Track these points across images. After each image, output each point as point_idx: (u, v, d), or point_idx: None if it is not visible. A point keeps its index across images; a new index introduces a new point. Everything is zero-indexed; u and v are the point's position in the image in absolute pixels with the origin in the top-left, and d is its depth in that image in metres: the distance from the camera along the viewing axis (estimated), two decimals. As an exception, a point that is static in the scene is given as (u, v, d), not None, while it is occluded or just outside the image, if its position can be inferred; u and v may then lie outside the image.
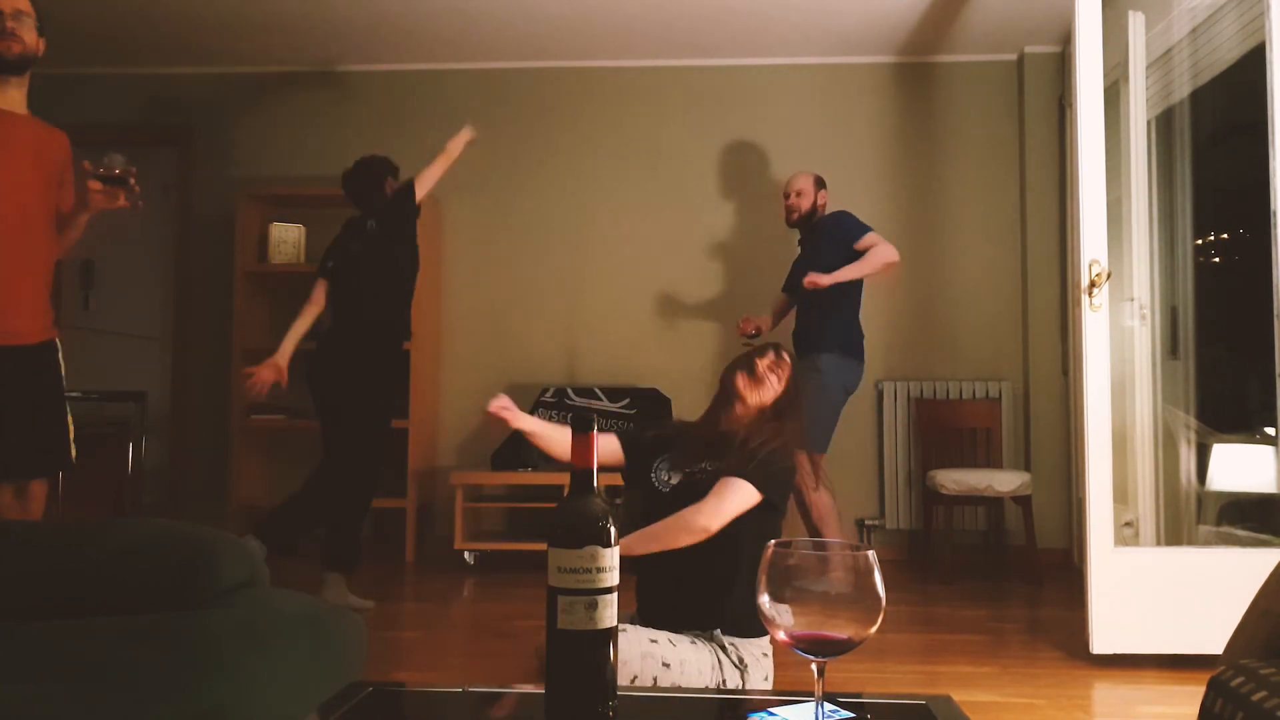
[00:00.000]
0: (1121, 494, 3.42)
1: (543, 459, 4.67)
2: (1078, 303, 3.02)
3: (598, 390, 4.81)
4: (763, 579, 0.90)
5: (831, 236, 3.96)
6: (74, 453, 2.61)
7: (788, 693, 1.20)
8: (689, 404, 4.78)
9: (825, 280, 3.78)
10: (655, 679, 1.94)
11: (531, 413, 4.73)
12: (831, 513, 3.83)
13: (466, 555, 4.58)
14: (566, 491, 1.07)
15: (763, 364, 2.31)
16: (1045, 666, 2.88)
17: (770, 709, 1.12)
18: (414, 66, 5.21)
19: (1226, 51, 3.50)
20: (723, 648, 2.11)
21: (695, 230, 5.08)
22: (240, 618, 1.38)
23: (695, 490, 2.14)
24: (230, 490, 4.91)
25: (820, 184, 4.17)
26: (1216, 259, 4.15)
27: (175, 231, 5.34)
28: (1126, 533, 3.67)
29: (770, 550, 0.91)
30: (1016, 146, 4.99)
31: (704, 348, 5.00)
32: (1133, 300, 3.83)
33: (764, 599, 0.90)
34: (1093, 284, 2.95)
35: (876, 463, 4.92)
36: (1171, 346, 3.89)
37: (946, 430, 4.74)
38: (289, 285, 5.13)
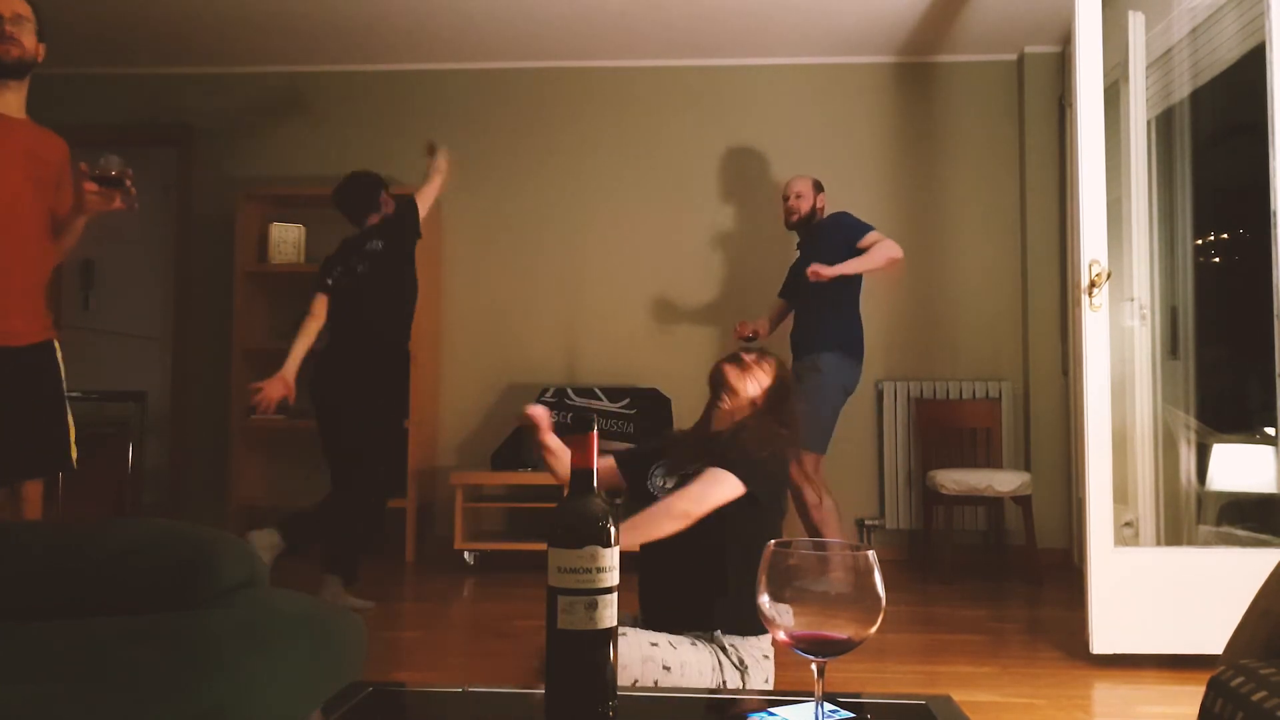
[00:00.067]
0: (1121, 494, 3.42)
1: (543, 459, 4.67)
2: (1078, 303, 3.02)
3: (598, 390, 4.81)
4: (763, 579, 0.90)
5: (832, 237, 3.96)
6: (75, 454, 2.60)
7: (788, 693, 1.20)
8: (689, 404, 4.78)
9: (829, 272, 3.77)
10: (656, 682, 1.94)
11: (531, 413, 4.76)
12: (832, 513, 3.83)
13: (466, 555, 4.58)
14: (566, 492, 1.07)
15: (749, 357, 2.32)
16: (1045, 666, 2.88)
17: (770, 709, 1.12)
18: (414, 66, 5.21)
19: (1226, 51, 3.50)
20: (723, 649, 2.11)
21: (695, 230, 5.08)
22: (240, 618, 1.38)
23: None
24: (230, 490, 4.91)
25: (819, 188, 4.18)
26: (1216, 259, 4.15)
27: (175, 231, 5.34)
28: (1126, 533, 3.67)
29: (770, 550, 0.91)
30: (1016, 146, 4.99)
31: (704, 347, 4.99)
32: (1133, 300, 3.83)
33: (764, 599, 0.90)
34: (1093, 284, 2.95)
35: (876, 463, 4.92)
36: (1171, 346, 3.89)
37: (946, 430, 4.74)
38: (289, 285, 5.13)
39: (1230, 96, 3.69)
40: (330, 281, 3.71)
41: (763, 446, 2.15)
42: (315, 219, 5.01)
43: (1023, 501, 4.30)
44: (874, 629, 0.89)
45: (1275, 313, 2.94)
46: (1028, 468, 4.74)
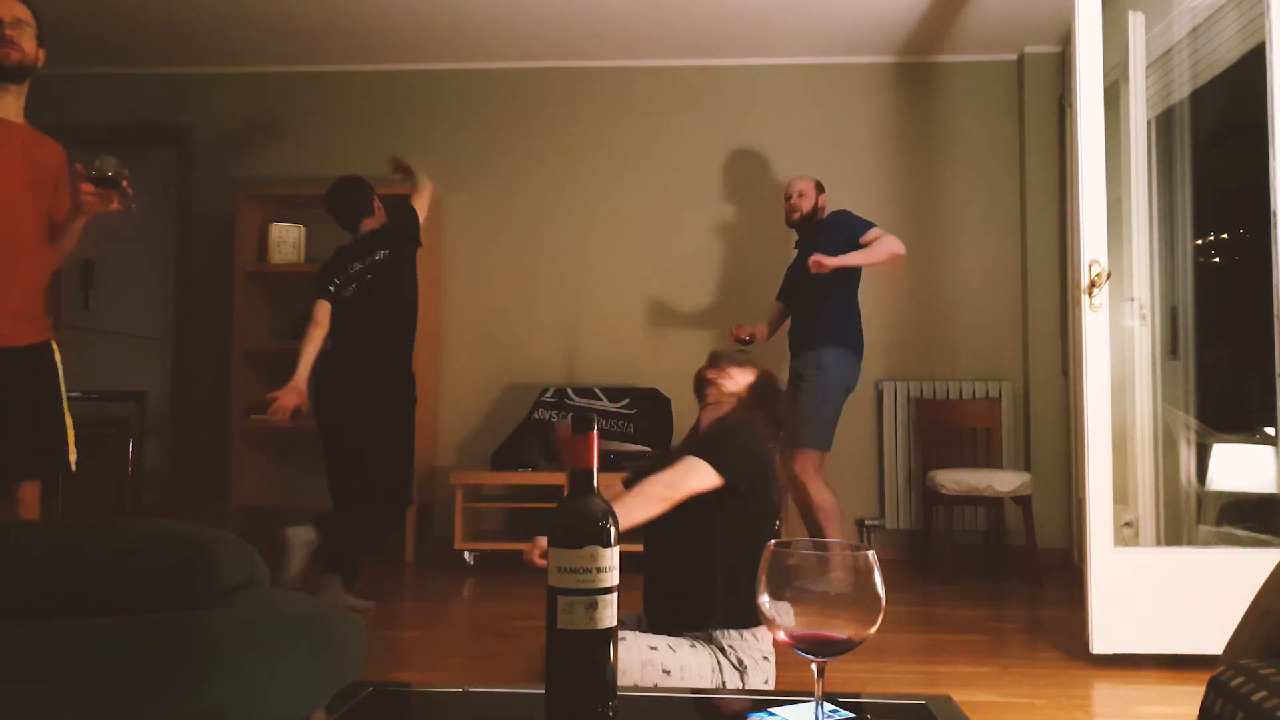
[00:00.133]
0: (1121, 494, 3.41)
1: (543, 459, 4.67)
2: (1078, 303, 3.02)
3: (598, 390, 4.81)
4: (763, 579, 0.90)
5: (832, 234, 3.96)
6: (74, 456, 2.60)
7: (788, 693, 1.20)
8: (689, 404, 4.76)
9: (831, 262, 3.75)
10: (655, 686, 1.94)
11: (531, 413, 4.77)
12: (834, 512, 3.83)
13: (466, 555, 4.58)
14: (566, 491, 1.07)
15: (723, 359, 2.38)
16: (1045, 666, 2.88)
17: (770, 709, 1.12)
18: (414, 66, 5.21)
19: (1226, 51, 3.50)
20: (722, 650, 2.12)
21: (695, 229, 5.08)
22: (240, 618, 1.38)
23: None
24: (230, 490, 4.91)
25: (820, 188, 4.19)
26: (1216, 259, 4.15)
27: (175, 231, 5.34)
28: (1126, 533, 3.67)
29: (770, 550, 0.91)
30: (1016, 146, 4.99)
31: (704, 347, 4.98)
32: (1133, 300, 3.83)
33: (764, 599, 0.90)
34: (1093, 284, 2.95)
35: (876, 463, 4.92)
36: (1171, 346, 3.89)
37: (946, 430, 4.74)
38: (289, 285, 5.13)
39: (1230, 96, 3.69)
40: (333, 289, 3.69)
41: (736, 437, 2.17)
42: (315, 219, 4.99)
43: (1023, 501, 4.30)
44: (874, 629, 0.89)
45: (1275, 313, 2.94)
46: (1028, 468, 4.74)
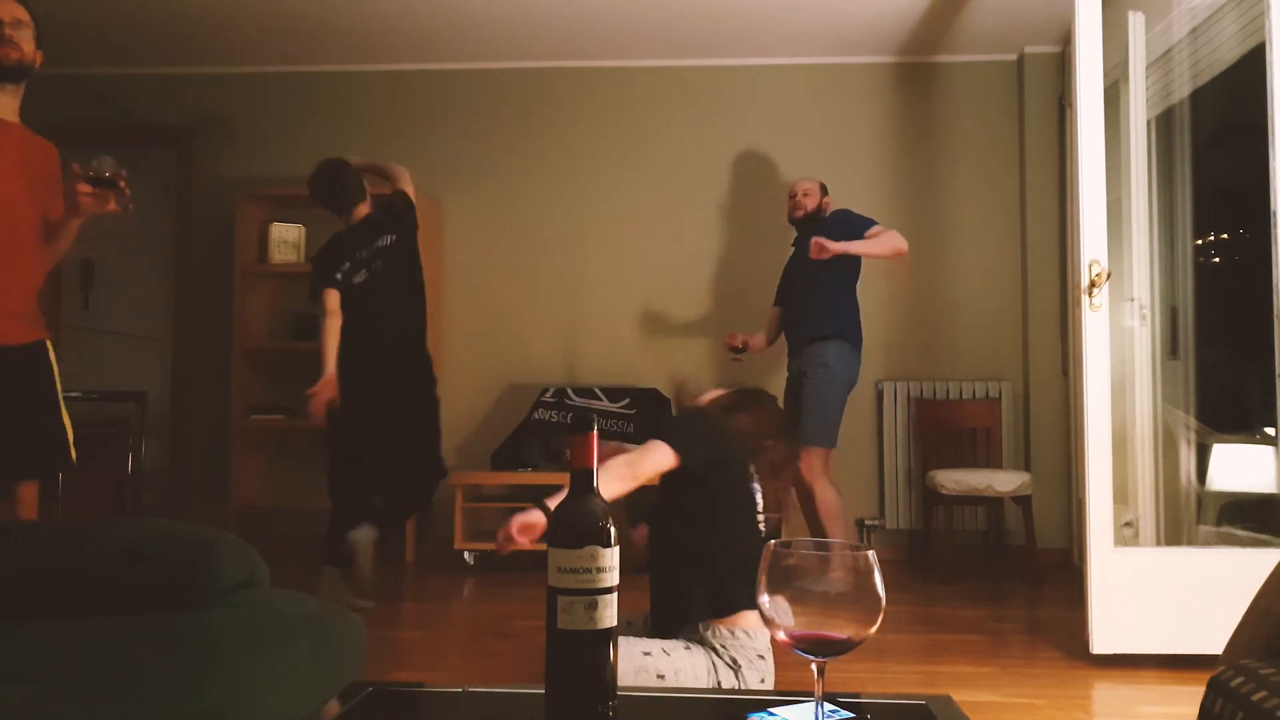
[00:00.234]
0: (1121, 494, 3.42)
1: (543, 459, 4.67)
2: (1078, 303, 3.02)
3: (598, 390, 4.81)
4: (763, 579, 0.90)
5: (834, 231, 3.96)
6: (74, 454, 2.60)
7: (788, 693, 1.20)
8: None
9: (834, 246, 3.75)
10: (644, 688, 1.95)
11: (531, 413, 4.76)
12: (837, 512, 3.83)
13: (466, 555, 4.58)
14: (566, 492, 1.07)
15: (684, 395, 2.57)
16: (1045, 666, 2.88)
17: (770, 709, 1.12)
18: (414, 66, 5.21)
19: (1226, 51, 3.50)
20: (715, 650, 2.12)
21: (695, 229, 5.08)
22: (240, 618, 1.38)
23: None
24: (230, 490, 4.91)
25: (824, 190, 4.21)
26: (1216, 259, 4.15)
27: (175, 231, 5.34)
28: (1126, 533, 3.67)
29: (770, 550, 0.91)
30: (1016, 146, 4.99)
31: (704, 347, 5.00)
32: (1133, 300, 3.83)
33: (764, 599, 0.90)
34: (1093, 284, 2.95)
35: (876, 463, 4.92)
36: (1171, 346, 3.89)
37: (946, 430, 4.74)
38: (289, 285, 5.13)
39: (1230, 96, 3.69)
40: (340, 277, 3.66)
41: (697, 420, 2.28)
42: (315, 219, 4.99)
43: (1023, 501, 4.30)
44: (874, 629, 0.89)
45: (1275, 313, 2.94)
46: (1028, 468, 4.74)
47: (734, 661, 2.11)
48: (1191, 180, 3.85)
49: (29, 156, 2.52)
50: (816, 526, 3.88)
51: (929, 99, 5.06)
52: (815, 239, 3.77)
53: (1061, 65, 4.88)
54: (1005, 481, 4.26)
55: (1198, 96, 3.76)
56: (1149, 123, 3.81)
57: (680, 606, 2.19)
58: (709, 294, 5.06)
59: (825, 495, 3.81)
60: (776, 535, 4.52)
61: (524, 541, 2.00)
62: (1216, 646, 1.30)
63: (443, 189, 5.12)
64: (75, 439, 2.60)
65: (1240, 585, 1.73)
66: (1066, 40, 4.66)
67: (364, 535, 3.61)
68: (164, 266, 5.56)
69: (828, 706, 1.12)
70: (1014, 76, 5.02)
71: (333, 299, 3.65)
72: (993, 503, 4.54)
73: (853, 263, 3.97)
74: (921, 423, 4.77)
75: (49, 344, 2.60)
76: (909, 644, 3.18)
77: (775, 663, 2.19)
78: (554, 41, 4.90)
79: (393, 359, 3.73)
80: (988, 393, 4.83)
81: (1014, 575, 4.39)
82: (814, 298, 3.96)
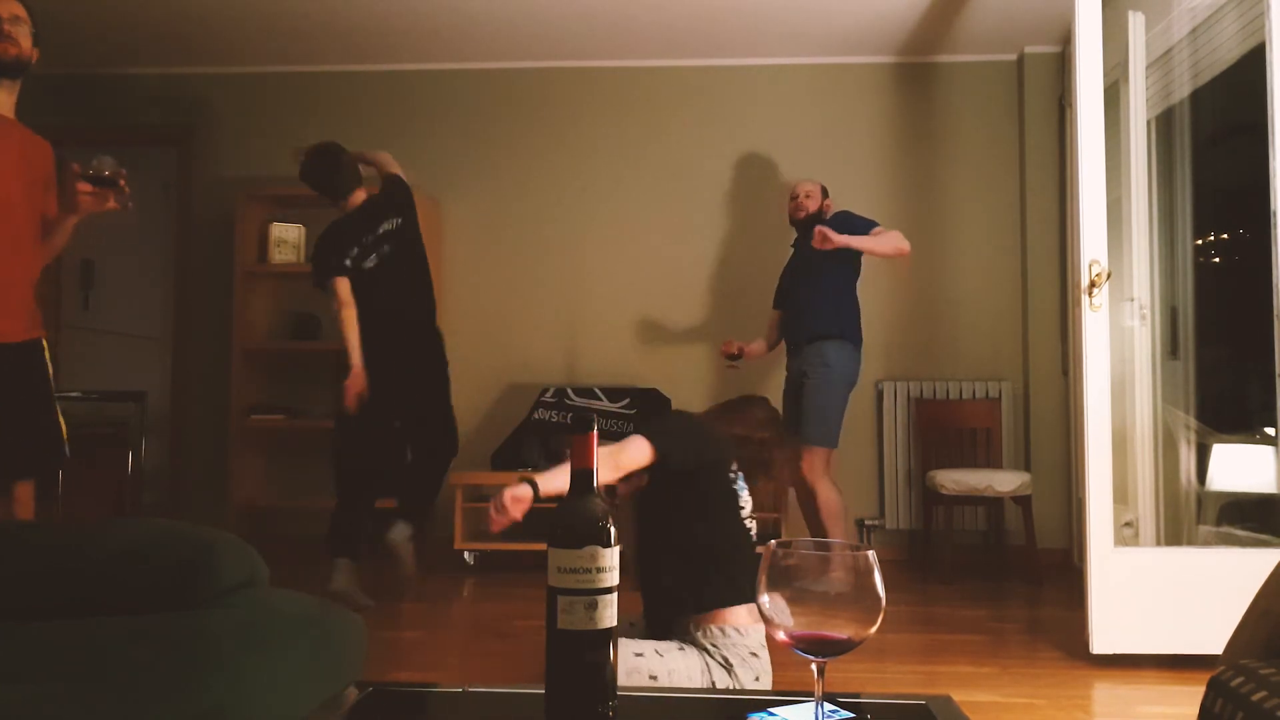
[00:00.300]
0: (1121, 494, 3.42)
1: (543, 459, 4.67)
2: (1078, 303, 3.02)
3: (598, 390, 4.81)
4: (763, 579, 0.90)
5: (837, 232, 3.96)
6: (67, 451, 2.60)
7: (788, 693, 1.20)
8: (689, 404, 4.78)
9: (837, 238, 3.74)
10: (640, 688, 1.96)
11: (531, 413, 4.76)
12: (838, 512, 3.83)
13: (466, 555, 4.58)
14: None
15: None
16: (1045, 666, 2.88)
17: (770, 709, 1.12)
18: (414, 66, 5.21)
19: (1226, 51, 3.50)
20: (707, 650, 2.13)
21: (695, 229, 5.08)
22: (240, 618, 1.38)
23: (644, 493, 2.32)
24: (230, 490, 4.90)
25: (825, 193, 4.21)
26: (1216, 259, 4.15)
27: (175, 231, 5.34)
28: (1126, 533, 3.67)
29: (770, 550, 0.91)
30: (1016, 146, 4.99)
31: (703, 347, 4.99)
32: (1133, 300, 3.83)
33: (764, 599, 0.90)
34: (1093, 284, 2.95)
35: (876, 463, 4.92)
36: (1171, 346, 3.89)
37: (946, 430, 4.74)
38: (289, 285, 5.13)
39: (1230, 96, 3.69)
40: (350, 264, 3.62)
41: (680, 418, 2.35)
42: (315, 219, 5.00)
43: (1023, 501, 4.30)
44: (874, 629, 0.89)
45: (1275, 313, 2.94)
46: (1028, 468, 4.74)
47: (725, 661, 2.11)
48: (1191, 180, 3.85)
49: (26, 153, 2.52)
50: (817, 527, 3.88)
51: (929, 99, 5.06)
52: (819, 228, 3.77)
53: (1061, 65, 4.88)
54: (1005, 481, 4.26)
55: (1198, 96, 3.76)
56: (1149, 123, 3.81)
57: (669, 606, 2.20)
58: (709, 294, 5.06)
59: (827, 495, 3.81)
60: (776, 535, 4.52)
61: (516, 514, 2.02)
62: (1216, 646, 1.30)
63: (443, 189, 5.12)
64: (75, 439, 2.61)
65: (1240, 585, 1.73)
66: (1066, 40, 4.66)
67: (400, 534, 3.67)
68: (164, 266, 5.56)
69: (828, 706, 1.12)
70: (1014, 76, 5.02)
71: (344, 287, 3.61)
72: (993, 503, 4.54)
73: (854, 261, 3.97)
74: (921, 423, 4.77)
75: (44, 343, 2.61)
76: (909, 644, 3.18)
77: (775, 662, 2.19)
78: (554, 41, 4.90)
79: (408, 344, 3.74)
80: (988, 393, 4.83)
81: (1014, 575, 4.39)
82: (815, 296, 3.96)
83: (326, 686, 1.30)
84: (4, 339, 2.48)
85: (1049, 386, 4.82)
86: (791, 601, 0.89)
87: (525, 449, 4.68)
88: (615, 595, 1.02)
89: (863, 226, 3.92)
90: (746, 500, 2.30)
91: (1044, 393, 4.82)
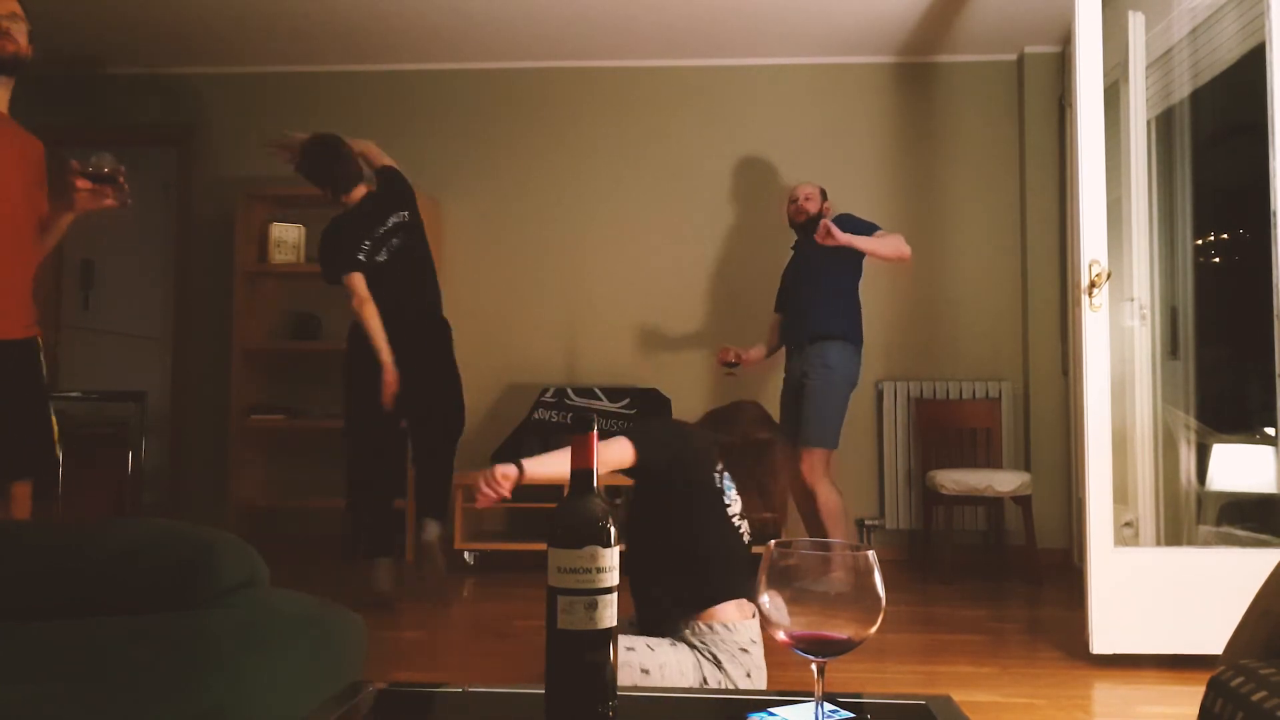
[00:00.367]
0: (1121, 494, 3.42)
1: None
2: (1078, 303, 3.02)
3: (598, 390, 4.81)
4: (762, 579, 0.90)
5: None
6: (59, 453, 2.60)
7: (788, 693, 1.20)
8: (689, 404, 4.79)
9: (841, 235, 3.74)
10: (635, 686, 1.96)
11: (531, 413, 4.76)
12: (839, 513, 3.82)
13: (466, 555, 4.58)
14: (566, 491, 1.07)
15: None
16: (1045, 666, 2.88)
17: (770, 709, 1.12)
18: (414, 66, 5.21)
19: (1226, 51, 3.50)
20: (697, 647, 2.13)
21: (695, 229, 5.08)
22: (240, 618, 1.38)
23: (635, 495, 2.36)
24: (230, 490, 4.90)
25: (824, 196, 4.21)
26: (1216, 259, 4.15)
27: (175, 231, 5.34)
28: (1126, 533, 3.67)
29: (770, 550, 0.91)
30: (1016, 146, 4.99)
31: (704, 347, 4.99)
32: (1133, 300, 3.83)
33: (764, 599, 0.90)
34: (1093, 284, 2.95)
35: (876, 463, 4.92)
36: (1171, 346, 3.89)
37: (946, 430, 4.74)
38: (289, 285, 5.13)
39: (1230, 96, 3.69)
40: (363, 258, 3.59)
41: (664, 423, 2.41)
42: (315, 219, 4.99)
43: (1023, 501, 4.30)
44: (874, 629, 0.89)
45: (1275, 313, 2.94)
46: (1028, 468, 4.74)
47: (714, 657, 2.12)
48: (1191, 180, 3.85)
49: (23, 150, 2.52)
50: (817, 527, 3.88)
51: (929, 99, 5.06)
52: (824, 221, 3.77)
53: (1061, 65, 4.88)
54: (1005, 481, 4.26)
55: (1198, 96, 3.76)
56: (1149, 123, 3.81)
57: (658, 605, 2.21)
58: (709, 294, 5.06)
59: (827, 496, 3.80)
60: (775, 535, 4.52)
61: (505, 489, 2.05)
62: (1216, 646, 1.30)
63: (443, 189, 5.12)
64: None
65: (1240, 585, 1.73)
66: (1066, 40, 4.66)
67: (432, 533, 3.68)
68: (164, 266, 5.56)
69: (828, 706, 1.12)
70: (1014, 76, 5.02)
71: (359, 282, 3.56)
72: (993, 503, 4.54)
73: (856, 264, 3.96)
74: (921, 423, 4.77)
75: (39, 342, 2.61)
76: (909, 644, 3.18)
77: (774, 662, 2.19)
78: (554, 41, 4.90)
79: (420, 336, 3.74)
80: (988, 393, 4.83)
81: (1014, 575, 4.39)
82: (816, 297, 3.96)
83: (326, 686, 1.30)
84: (6, 335, 2.48)
85: (1049, 386, 4.82)
86: (791, 602, 0.89)
87: (525, 449, 4.67)
88: (615, 595, 1.02)
89: (865, 229, 3.92)
90: (733, 500, 2.31)
91: (1044, 393, 4.82)
